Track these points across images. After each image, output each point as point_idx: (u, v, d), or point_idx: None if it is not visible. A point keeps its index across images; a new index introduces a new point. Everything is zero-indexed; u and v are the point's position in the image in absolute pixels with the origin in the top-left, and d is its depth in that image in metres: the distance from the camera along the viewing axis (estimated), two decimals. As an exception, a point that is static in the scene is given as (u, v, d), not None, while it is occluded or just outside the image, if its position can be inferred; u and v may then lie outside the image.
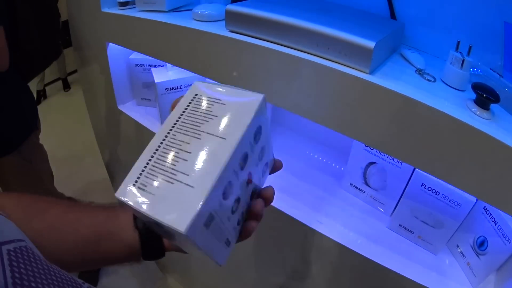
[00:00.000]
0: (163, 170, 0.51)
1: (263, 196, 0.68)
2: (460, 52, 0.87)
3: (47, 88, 5.47)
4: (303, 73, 0.96)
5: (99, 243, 0.71)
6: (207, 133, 0.54)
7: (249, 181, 0.61)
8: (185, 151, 0.53)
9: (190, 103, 0.60)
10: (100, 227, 0.72)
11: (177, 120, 0.58)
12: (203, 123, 0.55)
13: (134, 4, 1.41)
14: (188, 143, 0.54)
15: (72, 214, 0.72)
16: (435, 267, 1.06)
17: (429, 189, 1.01)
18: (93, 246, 0.71)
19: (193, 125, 0.56)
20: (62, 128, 4.18)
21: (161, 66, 1.55)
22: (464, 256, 1.05)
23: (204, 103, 0.59)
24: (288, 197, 1.27)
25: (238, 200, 0.58)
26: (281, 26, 0.97)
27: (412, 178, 1.07)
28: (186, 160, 0.52)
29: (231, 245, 0.62)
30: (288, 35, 0.97)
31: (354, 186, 1.27)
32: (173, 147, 0.54)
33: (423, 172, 0.97)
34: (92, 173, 3.28)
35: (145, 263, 2.03)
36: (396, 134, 0.87)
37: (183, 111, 0.59)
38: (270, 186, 0.70)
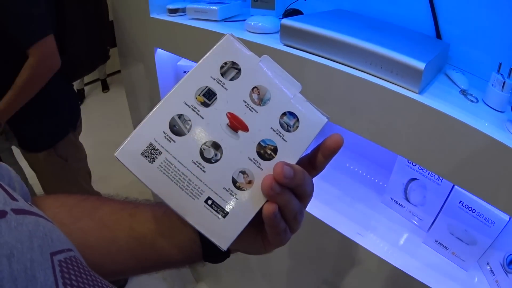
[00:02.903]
0: None
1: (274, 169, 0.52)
2: (501, 74, 0.94)
3: (85, 88, 5.65)
4: (354, 90, 1.03)
5: (155, 241, 0.67)
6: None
7: (233, 126, 0.55)
8: None
9: None
10: (157, 223, 0.67)
11: None
12: None
13: (184, 12, 1.51)
14: None
15: (126, 211, 0.68)
16: (465, 283, 1.11)
17: (466, 206, 1.07)
18: (148, 244, 0.67)
19: None
20: (99, 128, 4.30)
21: (209, 74, 1.61)
22: (493, 273, 1.10)
23: None
24: (330, 209, 1.34)
25: (216, 147, 0.55)
26: (336, 43, 1.05)
27: (450, 195, 1.12)
28: None
29: (228, 216, 0.54)
30: (342, 52, 1.04)
31: (394, 200, 1.33)
32: None
33: (462, 190, 1.04)
34: (129, 174, 3.36)
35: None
36: (439, 151, 0.94)
37: None
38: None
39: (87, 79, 5.69)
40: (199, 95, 0.55)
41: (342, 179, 1.51)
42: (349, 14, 1.31)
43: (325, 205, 1.36)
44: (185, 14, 1.52)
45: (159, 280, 2.63)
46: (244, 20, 1.35)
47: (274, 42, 1.19)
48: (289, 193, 0.53)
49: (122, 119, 2.61)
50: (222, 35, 1.20)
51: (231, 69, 0.57)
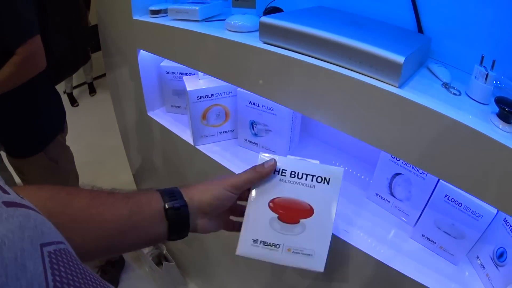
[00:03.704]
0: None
1: None
2: (484, 67, 0.91)
3: (74, 91, 5.62)
4: (334, 85, 1.00)
5: (124, 236, 0.77)
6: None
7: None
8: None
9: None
10: (124, 222, 0.76)
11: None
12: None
13: (166, 13, 1.48)
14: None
15: (95, 209, 0.74)
16: (455, 277, 1.08)
17: (452, 200, 1.04)
18: (117, 239, 0.76)
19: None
20: (87, 132, 4.28)
21: (192, 74, 1.60)
22: (483, 267, 1.07)
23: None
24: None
25: None
26: (314, 40, 1.01)
27: (436, 189, 1.09)
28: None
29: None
30: (321, 48, 1.01)
31: (379, 196, 1.30)
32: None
33: (447, 184, 1.00)
34: (116, 177, 3.36)
35: (167, 268, 2.07)
36: (422, 145, 0.91)
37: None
38: None
39: (74, 82, 5.68)
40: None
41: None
42: (329, 10, 1.28)
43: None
44: (167, 15, 1.48)
45: (150, 282, 2.63)
46: (225, 20, 1.32)
47: (254, 41, 1.16)
48: None
49: (109, 122, 2.58)
50: (203, 35, 1.18)
51: None
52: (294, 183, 0.92)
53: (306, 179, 0.92)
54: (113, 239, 0.76)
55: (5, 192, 0.40)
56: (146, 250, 2.44)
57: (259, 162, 0.93)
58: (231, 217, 1.00)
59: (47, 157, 1.93)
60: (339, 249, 1.20)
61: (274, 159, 0.93)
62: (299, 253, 0.91)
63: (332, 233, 1.17)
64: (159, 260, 2.50)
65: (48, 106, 1.90)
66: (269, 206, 0.92)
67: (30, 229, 0.37)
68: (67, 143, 2.13)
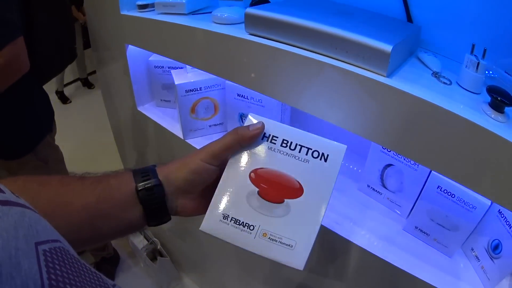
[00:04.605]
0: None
1: None
2: (475, 55, 0.88)
3: (67, 88, 5.55)
4: (322, 76, 0.97)
5: (95, 225, 0.69)
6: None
7: None
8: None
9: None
10: (92, 210, 0.68)
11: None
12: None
13: (153, 7, 1.45)
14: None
15: (62, 197, 0.68)
16: (450, 269, 1.05)
17: (445, 191, 1.01)
18: (89, 229, 0.69)
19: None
20: (80, 129, 4.24)
21: (181, 68, 1.57)
22: (478, 259, 1.04)
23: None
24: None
25: None
26: (300, 30, 0.98)
27: (428, 180, 1.06)
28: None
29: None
30: (307, 38, 0.98)
31: (371, 188, 1.27)
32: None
33: (439, 175, 0.97)
34: (109, 174, 3.34)
35: (162, 263, 2.02)
36: (412, 136, 0.88)
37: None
38: None
39: (66, 79, 5.61)
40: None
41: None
42: (316, 0, 1.24)
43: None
44: (154, 9, 1.45)
45: (145, 278, 2.62)
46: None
47: (240, 32, 1.13)
48: None
49: (102, 118, 2.55)
50: (190, 28, 1.16)
51: None
52: (285, 153, 0.74)
53: (300, 151, 0.74)
54: (84, 230, 0.69)
55: (1, 191, 0.40)
56: (140, 246, 2.43)
57: (245, 124, 0.76)
58: None
59: (37, 158, 1.90)
60: (330, 242, 1.17)
61: (262, 122, 0.75)
62: (276, 241, 0.70)
63: (322, 225, 1.15)
64: (154, 255, 2.48)
65: (36, 107, 1.86)
66: (250, 177, 0.74)
67: (25, 228, 0.37)
68: (60, 142, 2.09)
